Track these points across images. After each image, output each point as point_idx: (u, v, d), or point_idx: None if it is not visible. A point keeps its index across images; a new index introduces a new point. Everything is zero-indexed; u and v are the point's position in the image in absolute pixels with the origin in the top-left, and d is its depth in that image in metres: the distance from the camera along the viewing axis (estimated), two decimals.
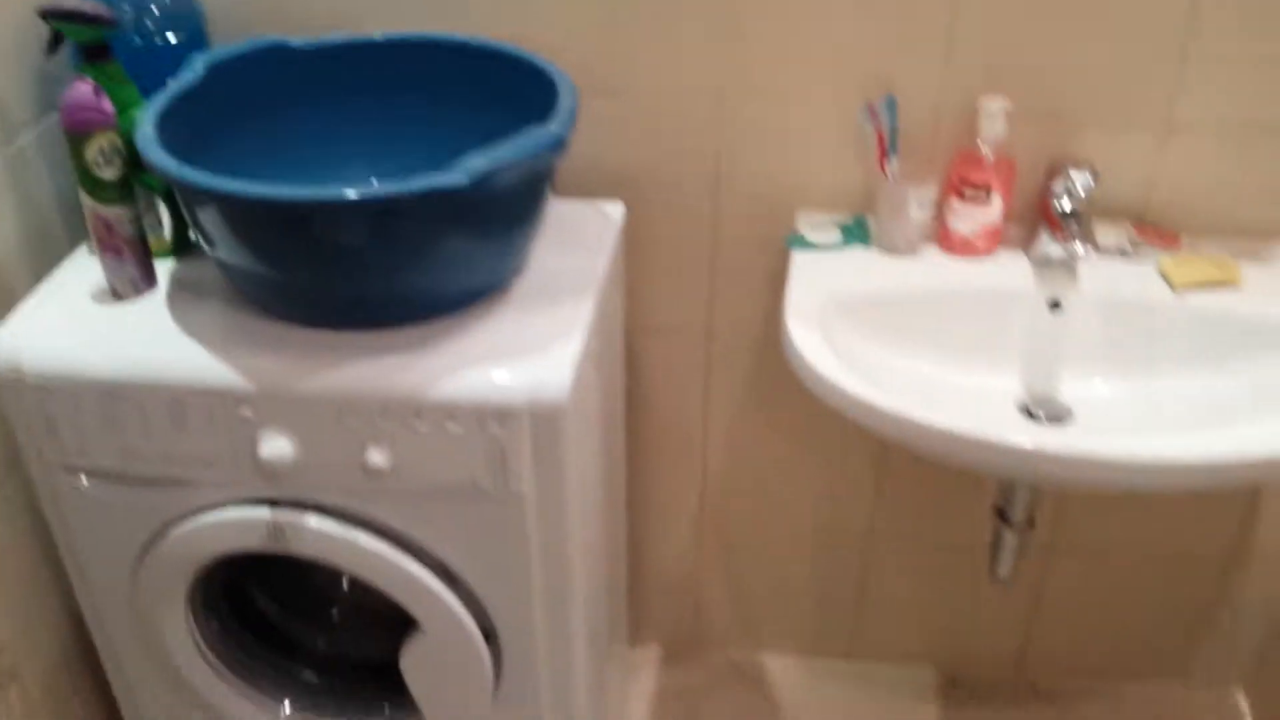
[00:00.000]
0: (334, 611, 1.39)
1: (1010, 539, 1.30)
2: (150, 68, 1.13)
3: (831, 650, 1.71)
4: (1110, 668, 1.66)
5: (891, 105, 1.20)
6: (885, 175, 1.21)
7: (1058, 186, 1.17)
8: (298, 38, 1.17)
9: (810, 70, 1.23)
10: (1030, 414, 1.19)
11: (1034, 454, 1.01)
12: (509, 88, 1.14)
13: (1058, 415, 1.18)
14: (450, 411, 1.01)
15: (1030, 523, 1.29)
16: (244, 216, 0.98)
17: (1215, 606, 1.58)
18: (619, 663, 1.61)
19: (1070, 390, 1.20)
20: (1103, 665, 1.66)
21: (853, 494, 1.53)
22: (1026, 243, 1.24)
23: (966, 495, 1.50)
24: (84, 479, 1.10)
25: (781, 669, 1.72)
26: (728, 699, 1.68)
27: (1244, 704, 1.64)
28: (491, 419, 1.01)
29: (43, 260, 1.19)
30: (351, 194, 0.91)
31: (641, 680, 1.70)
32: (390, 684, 1.27)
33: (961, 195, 1.20)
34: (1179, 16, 1.14)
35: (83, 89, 1.01)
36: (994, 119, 1.17)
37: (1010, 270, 1.22)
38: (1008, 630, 1.64)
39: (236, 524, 1.09)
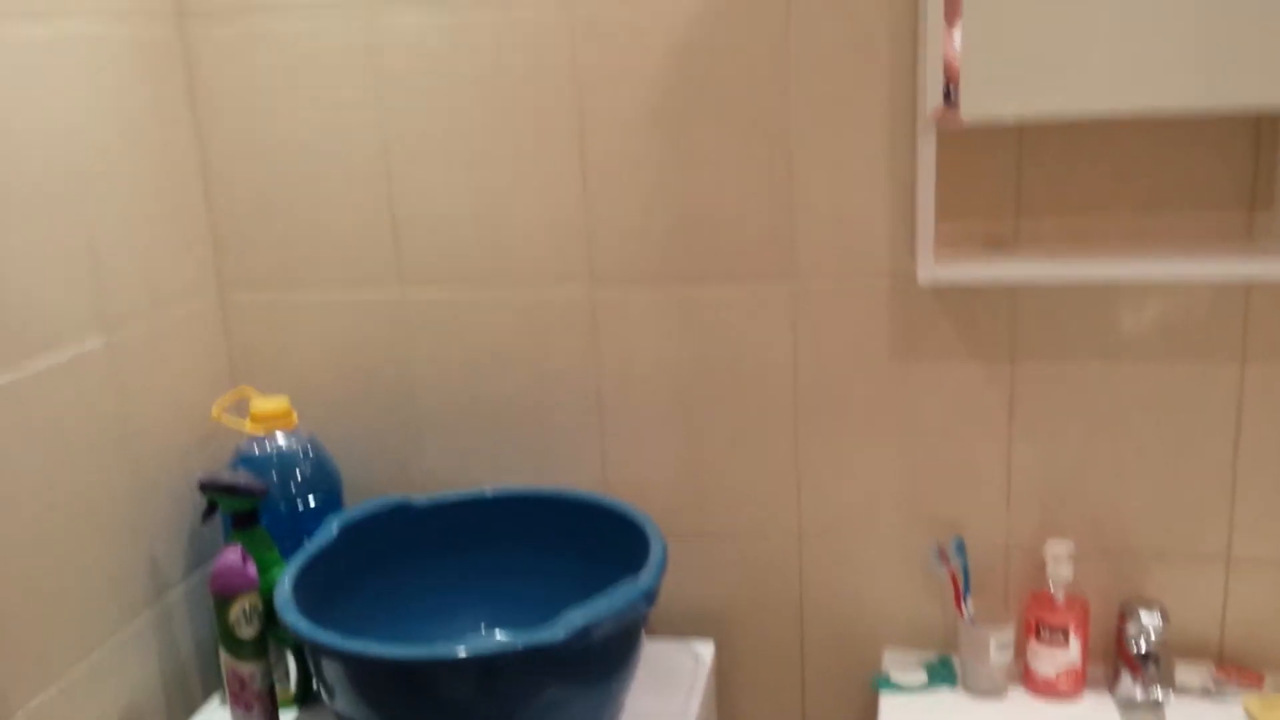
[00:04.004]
0: None
1: None
2: (291, 529, 1.27)
3: None
4: None
5: (960, 547, 1.28)
6: (963, 616, 1.27)
7: (1131, 628, 1.21)
8: (419, 495, 1.32)
9: (881, 511, 1.33)
10: None
11: None
12: (605, 535, 1.26)
13: None
14: None
15: None
16: (367, 672, 1.06)
17: None
18: None
19: None
20: None
21: None
22: (1111, 682, 1.26)
23: None
24: None
25: None
26: None
27: None
28: None
29: (178, 707, 1.28)
30: (460, 652, 1.00)
31: None
32: None
33: (1039, 636, 1.24)
34: (1224, 453, 1.23)
35: (231, 557, 1.15)
36: (1060, 562, 1.23)
37: (1097, 714, 1.23)
38: None
39: None
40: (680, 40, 1.24)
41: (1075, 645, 1.23)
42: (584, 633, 1.03)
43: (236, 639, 1.14)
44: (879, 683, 1.30)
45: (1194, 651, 1.29)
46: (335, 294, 1.38)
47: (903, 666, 1.32)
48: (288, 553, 1.24)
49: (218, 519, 1.30)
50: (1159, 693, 1.18)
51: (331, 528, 1.24)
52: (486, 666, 1.03)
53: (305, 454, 1.31)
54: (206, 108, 1.35)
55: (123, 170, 1.22)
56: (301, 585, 1.14)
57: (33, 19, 1.09)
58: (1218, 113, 1.11)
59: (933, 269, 1.15)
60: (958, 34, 1.07)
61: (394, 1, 1.28)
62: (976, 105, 1.09)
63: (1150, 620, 1.21)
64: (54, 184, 1.12)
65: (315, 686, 1.25)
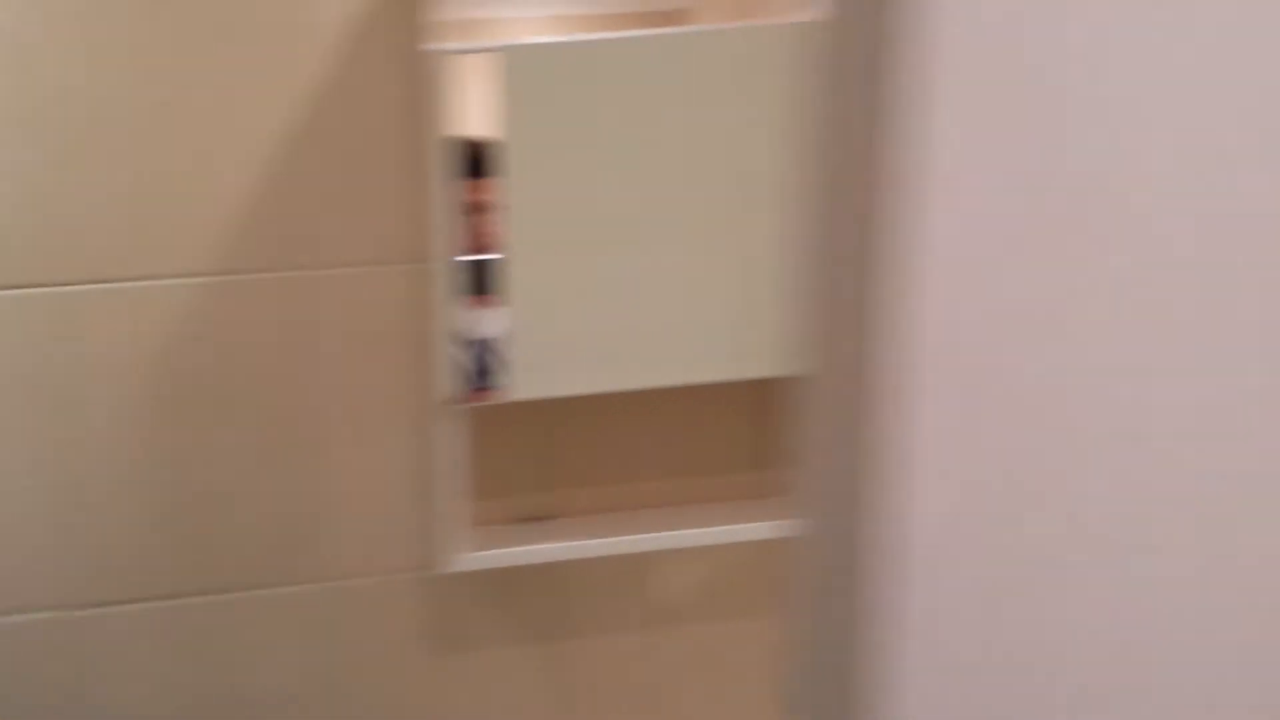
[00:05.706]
0: None
1: None
2: None
3: None
4: None
5: None
6: None
7: None
8: None
9: None
10: None
11: None
12: None
13: None
14: None
15: None
16: None
17: None
18: None
19: None
20: None
21: None
22: None
23: None
24: None
25: None
26: None
27: None
28: None
29: None
30: None
31: None
32: None
33: None
34: (767, 706, 1.22)
35: None
36: None
37: None
38: None
39: None
40: (176, 331, 1.10)
41: None
42: None
43: None
44: None
45: None
46: None
47: None
48: None
49: None
50: None
51: None
52: None
53: None
54: None
55: None
56: None
57: None
58: (704, 384, 1.15)
59: (456, 556, 1.08)
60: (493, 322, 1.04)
61: None
62: (525, 387, 1.08)
63: None
64: None
65: None
